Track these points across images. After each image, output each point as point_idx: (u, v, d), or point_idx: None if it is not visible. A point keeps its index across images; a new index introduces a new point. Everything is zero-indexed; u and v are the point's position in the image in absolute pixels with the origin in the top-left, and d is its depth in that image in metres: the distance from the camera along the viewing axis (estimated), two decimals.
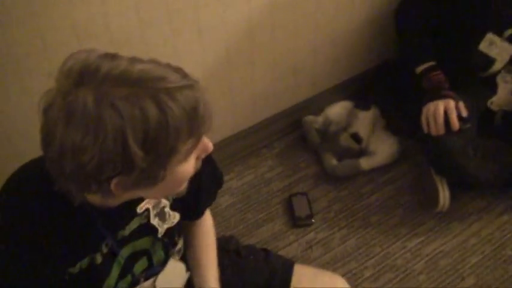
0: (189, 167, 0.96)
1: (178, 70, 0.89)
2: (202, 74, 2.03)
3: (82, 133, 0.81)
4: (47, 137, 0.85)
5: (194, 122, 0.88)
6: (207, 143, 0.99)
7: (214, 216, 2.08)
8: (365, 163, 2.25)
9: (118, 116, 0.81)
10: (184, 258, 1.34)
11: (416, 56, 2.01)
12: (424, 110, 1.88)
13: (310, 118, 2.39)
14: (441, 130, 1.84)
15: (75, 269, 1.05)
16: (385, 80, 2.38)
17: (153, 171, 0.88)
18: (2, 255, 1.02)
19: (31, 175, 1.04)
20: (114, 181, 0.87)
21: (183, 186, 1.03)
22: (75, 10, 1.58)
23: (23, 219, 1.01)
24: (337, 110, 2.38)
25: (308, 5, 2.09)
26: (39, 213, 1.01)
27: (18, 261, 1.01)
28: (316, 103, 2.42)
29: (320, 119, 2.38)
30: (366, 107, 2.32)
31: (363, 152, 2.29)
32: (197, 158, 0.99)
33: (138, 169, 0.85)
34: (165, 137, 0.84)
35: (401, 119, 2.30)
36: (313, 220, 2.12)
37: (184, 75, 0.89)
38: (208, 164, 1.19)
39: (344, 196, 2.21)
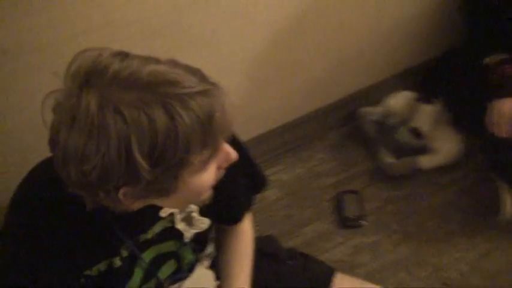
0: (207, 177, 0.89)
1: (195, 72, 0.81)
2: (251, 60, 1.93)
3: (84, 139, 0.75)
4: (53, 139, 0.80)
5: (209, 132, 0.80)
6: (229, 152, 0.91)
7: (260, 210, 2.03)
8: (424, 162, 2.09)
9: (122, 122, 0.74)
10: (215, 265, 1.26)
11: (487, 46, 1.82)
12: (491, 107, 1.71)
13: (367, 109, 2.24)
14: (506, 131, 1.65)
15: (92, 272, 1.00)
16: (451, 72, 2.19)
17: (162, 183, 0.82)
18: (14, 254, 0.97)
19: (47, 174, 0.97)
20: (121, 191, 0.81)
21: (205, 196, 0.96)
22: None
23: (37, 219, 0.96)
24: (398, 101, 2.23)
25: None
26: (53, 214, 0.95)
27: (31, 261, 0.97)
28: (375, 93, 2.27)
29: (379, 110, 2.23)
30: (429, 100, 2.15)
31: (422, 149, 2.12)
32: (218, 168, 0.92)
33: (145, 181, 0.78)
34: (174, 148, 0.77)
35: (467, 115, 2.10)
36: (363, 222, 1.99)
37: (202, 79, 0.81)
38: (245, 166, 1.16)
39: (399, 197, 2.06)
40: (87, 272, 0.99)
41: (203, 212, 1.13)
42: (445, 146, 2.10)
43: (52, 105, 0.80)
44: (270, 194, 2.10)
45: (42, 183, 0.99)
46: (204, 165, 0.85)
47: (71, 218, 0.95)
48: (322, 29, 1.97)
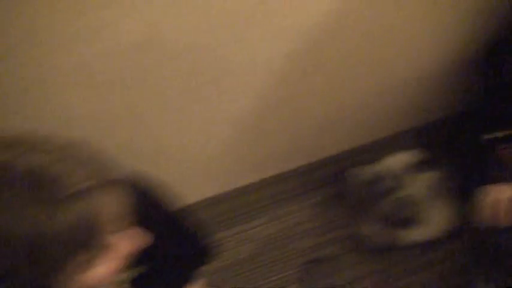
0: (97, 273, 0.79)
1: (87, 164, 0.73)
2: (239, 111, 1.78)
3: None
4: None
5: (89, 234, 0.73)
6: (128, 244, 0.82)
7: (229, 266, 1.88)
8: (408, 236, 1.89)
9: None
10: None
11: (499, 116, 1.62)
12: (485, 191, 1.54)
13: (357, 170, 2.07)
14: (499, 221, 1.50)
15: None
16: (460, 137, 2.00)
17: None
18: None
19: None
20: None
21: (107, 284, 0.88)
22: None
23: None
24: (396, 162, 2.03)
25: (375, 37, 1.75)
26: None
27: None
28: (372, 152, 2.10)
29: (372, 170, 2.04)
30: (427, 167, 1.97)
31: (409, 221, 1.92)
32: (121, 258, 0.83)
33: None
34: (39, 259, 0.70)
35: (466, 190, 1.90)
36: None
37: (92, 174, 0.72)
38: (181, 238, 1.12)
39: (375, 272, 1.86)
40: None
41: (138, 283, 1.04)
42: (434, 220, 1.90)
43: None
44: (241, 250, 1.96)
45: None
46: (88, 264, 0.76)
47: None
48: (315, 83, 1.81)
